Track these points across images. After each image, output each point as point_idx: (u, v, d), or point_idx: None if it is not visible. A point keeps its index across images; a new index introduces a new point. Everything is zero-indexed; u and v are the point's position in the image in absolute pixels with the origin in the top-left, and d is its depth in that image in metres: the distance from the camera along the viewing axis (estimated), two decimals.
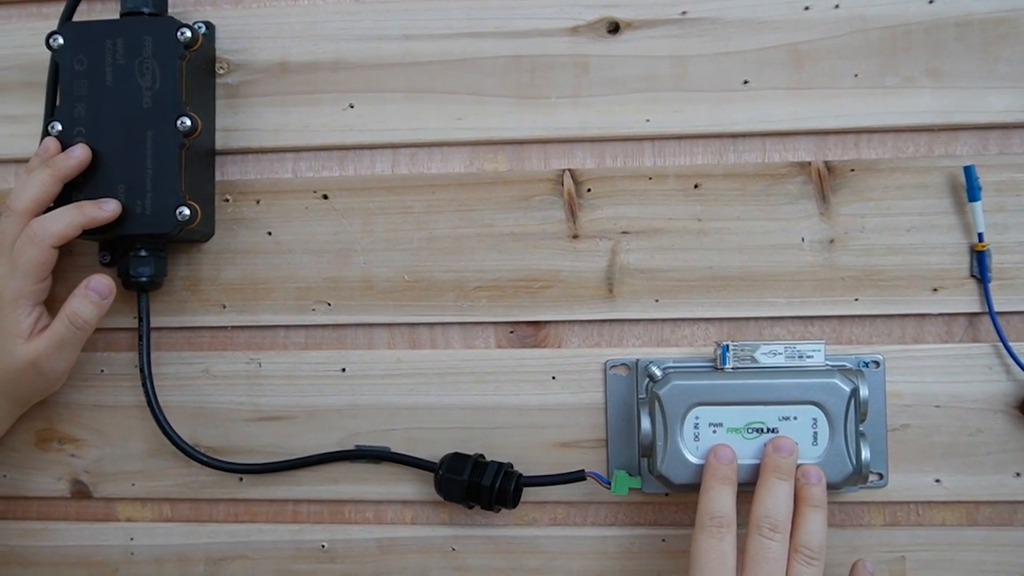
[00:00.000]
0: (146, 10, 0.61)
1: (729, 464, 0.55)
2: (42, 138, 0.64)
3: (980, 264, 0.59)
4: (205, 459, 0.63)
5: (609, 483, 0.59)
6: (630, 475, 0.60)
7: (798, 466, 0.55)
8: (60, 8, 0.64)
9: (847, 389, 0.55)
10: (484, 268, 0.63)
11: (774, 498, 0.53)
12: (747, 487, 0.56)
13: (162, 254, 0.63)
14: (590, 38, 0.62)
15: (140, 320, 0.62)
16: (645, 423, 0.57)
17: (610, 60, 0.62)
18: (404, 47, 0.64)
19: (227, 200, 0.65)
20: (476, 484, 0.59)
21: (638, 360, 0.61)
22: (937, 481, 0.60)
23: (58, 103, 0.61)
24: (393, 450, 0.63)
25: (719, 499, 0.54)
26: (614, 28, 0.62)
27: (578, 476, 0.60)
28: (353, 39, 0.64)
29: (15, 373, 0.59)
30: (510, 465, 0.61)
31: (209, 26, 0.64)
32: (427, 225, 0.63)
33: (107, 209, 0.58)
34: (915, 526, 0.60)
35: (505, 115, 0.63)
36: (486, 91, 0.63)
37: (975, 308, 0.60)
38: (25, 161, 0.65)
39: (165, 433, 0.63)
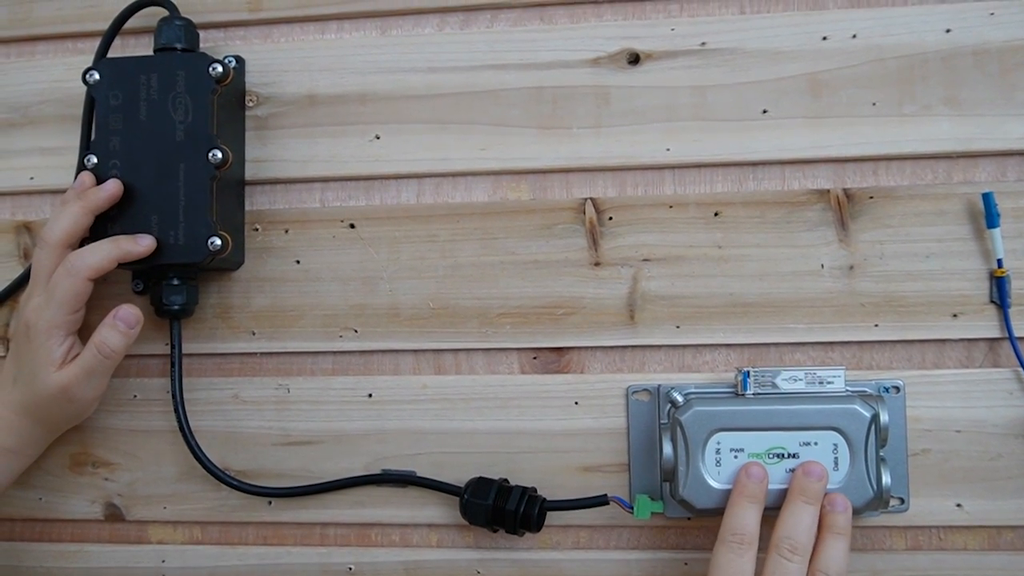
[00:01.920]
0: (179, 46, 0.63)
1: (759, 483, 0.55)
2: (78, 171, 0.66)
3: (1000, 290, 0.60)
4: (235, 483, 0.64)
5: (631, 508, 0.60)
6: (652, 499, 0.60)
7: (825, 494, 0.55)
8: (95, 43, 0.66)
9: (867, 415, 0.56)
10: (508, 295, 0.64)
11: (797, 520, 0.54)
12: (769, 511, 0.57)
13: (194, 283, 0.64)
14: (611, 69, 0.64)
15: (172, 347, 0.64)
16: (667, 448, 0.58)
17: (631, 91, 0.63)
18: (429, 79, 0.65)
19: (256, 229, 0.66)
20: (501, 508, 0.60)
21: (660, 386, 0.62)
22: (958, 506, 0.60)
23: (93, 136, 0.62)
24: (419, 474, 0.64)
25: (743, 516, 0.54)
26: (634, 59, 0.63)
27: (601, 501, 0.61)
28: (379, 72, 0.65)
29: (47, 400, 0.60)
30: (534, 489, 0.62)
31: (239, 61, 0.66)
32: (452, 253, 0.64)
33: (143, 244, 0.60)
34: (937, 551, 0.61)
35: (528, 145, 0.64)
36: (509, 122, 0.64)
37: (995, 334, 0.60)
38: (61, 192, 0.67)
39: (196, 457, 0.64)
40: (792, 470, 0.56)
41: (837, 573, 0.52)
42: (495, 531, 0.62)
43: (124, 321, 0.60)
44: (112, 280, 0.67)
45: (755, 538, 0.53)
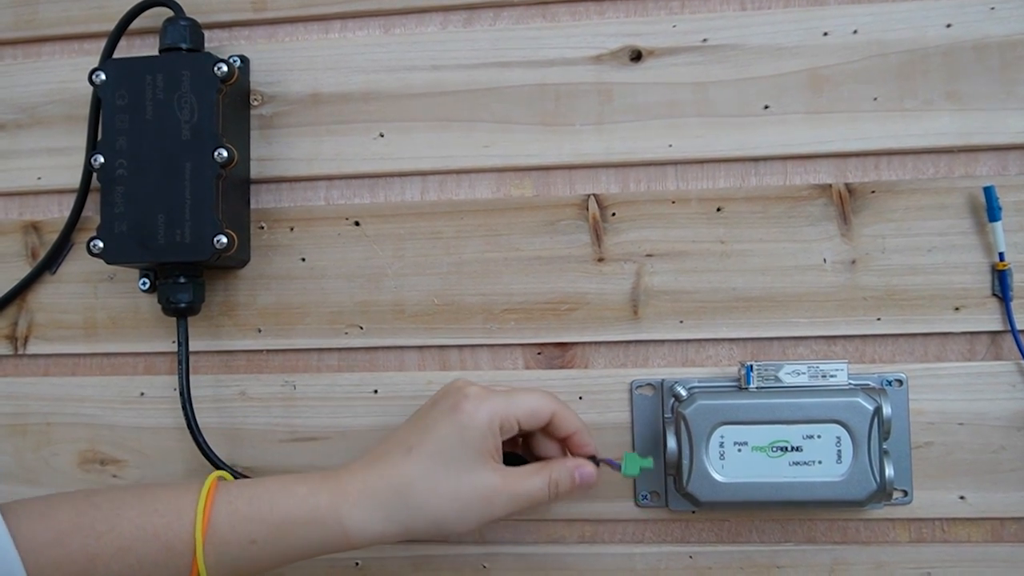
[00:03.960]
0: (184, 46, 0.63)
1: None
2: (84, 170, 0.67)
3: (1002, 283, 0.60)
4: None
5: (619, 466, 0.58)
6: (642, 456, 0.58)
7: None
8: (101, 44, 0.67)
9: (870, 407, 0.56)
10: (512, 291, 0.64)
11: None
12: (771, 506, 0.57)
13: (200, 280, 0.64)
14: (613, 66, 0.64)
15: (179, 344, 0.64)
16: (671, 442, 0.58)
17: (633, 87, 0.64)
18: (432, 77, 0.65)
19: (262, 227, 0.67)
20: None
21: (663, 380, 0.62)
22: (961, 498, 0.60)
23: (100, 136, 0.63)
24: None
25: None
26: (637, 56, 0.64)
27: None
28: (383, 70, 0.66)
29: (452, 497, 0.52)
30: None
31: (244, 60, 0.66)
32: (456, 250, 0.65)
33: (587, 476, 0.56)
34: (940, 543, 0.61)
35: (531, 142, 0.64)
36: (512, 119, 0.65)
37: (997, 326, 0.61)
38: (68, 192, 0.68)
39: (203, 454, 0.64)
40: (795, 448, 0.56)
41: None
42: None
43: (584, 481, 0.56)
44: (120, 279, 0.67)
45: None
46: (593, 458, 0.58)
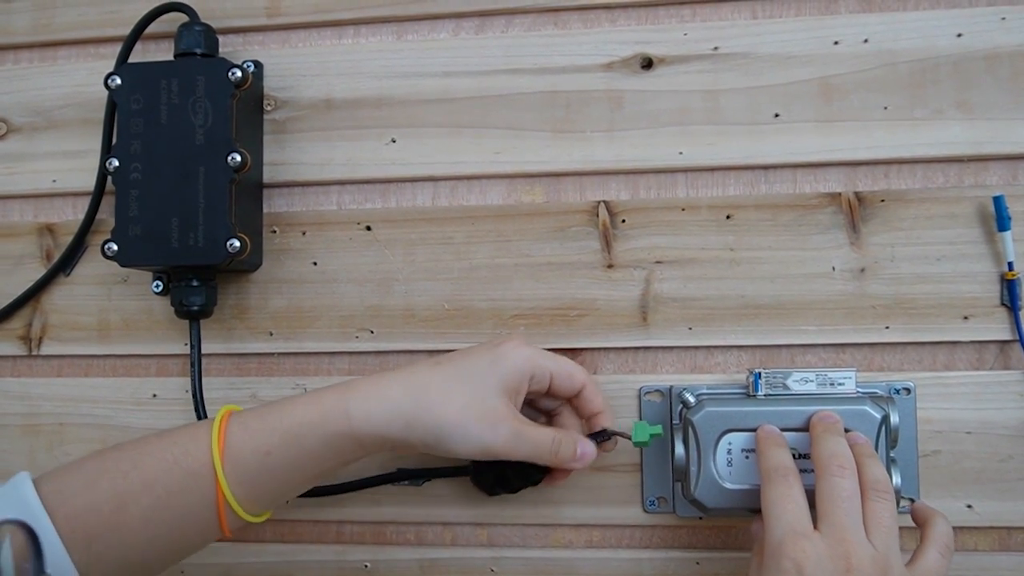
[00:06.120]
0: (199, 51, 0.64)
1: (777, 434, 0.56)
2: (99, 173, 0.67)
3: (1010, 292, 0.60)
4: None
5: (629, 436, 0.58)
6: (651, 424, 0.59)
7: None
8: (116, 49, 0.68)
9: (878, 416, 0.56)
10: (522, 297, 0.65)
11: (835, 442, 0.53)
12: None
13: (213, 283, 0.65)
14: (624, 74, 0.64)
15: (191, 347, 0.65)
16: (679, 448, 0.58)
17: (644, 95, 0.64)
18: (444, 84, 0.66)
19: (274, 232, 0.67)
20: (504, 469, 0.61)
21: (672, 387, 0.62)
22: (969, 507, 0.60)
23: (115, 140, 0.63)
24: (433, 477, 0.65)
25: (778, 454, 0.54)
26: (647, 64, 0.64)
27: (604, 436, 0.59)
28: (395, 76, 0.66)
29: (459, 410, 0.53)
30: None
31: (258, 65, 0.67)
32: (466, 255, 0.65)
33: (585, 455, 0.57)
34: None
35: (542, 149, 0.65)
36: (523, 126, 0.65)
37: (1006, 336, 0.61)
38: (83, 194, 0.68)
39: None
40: (803, 455, 0.56)
41: (887, 484, 0.52)
42: (497, 494, 0.63)
43: (584, 456, 0.57)
44: (132, 281, 0.68)
45: (796, 470, 0.53)
46: (605, 431, 0.58)
